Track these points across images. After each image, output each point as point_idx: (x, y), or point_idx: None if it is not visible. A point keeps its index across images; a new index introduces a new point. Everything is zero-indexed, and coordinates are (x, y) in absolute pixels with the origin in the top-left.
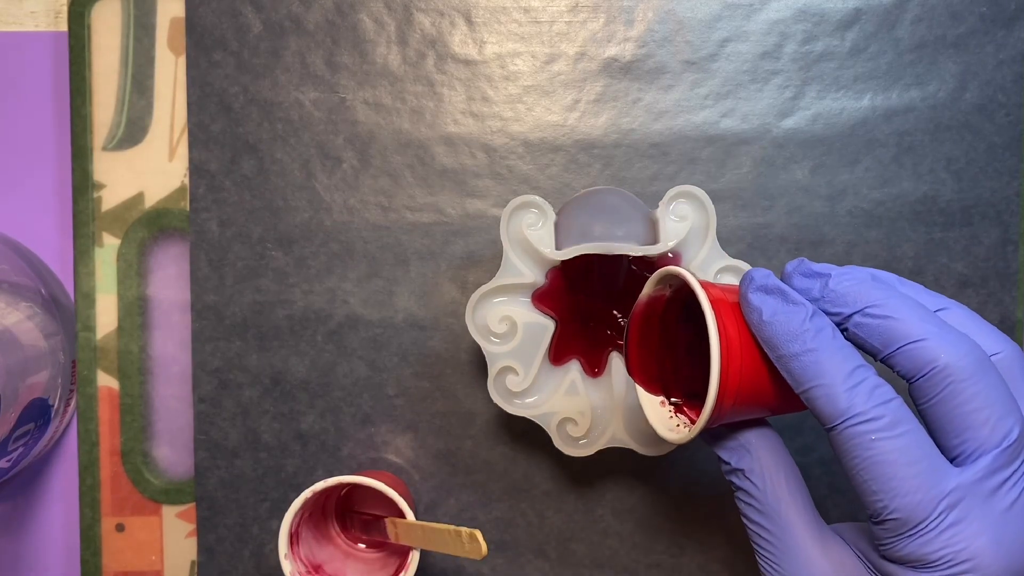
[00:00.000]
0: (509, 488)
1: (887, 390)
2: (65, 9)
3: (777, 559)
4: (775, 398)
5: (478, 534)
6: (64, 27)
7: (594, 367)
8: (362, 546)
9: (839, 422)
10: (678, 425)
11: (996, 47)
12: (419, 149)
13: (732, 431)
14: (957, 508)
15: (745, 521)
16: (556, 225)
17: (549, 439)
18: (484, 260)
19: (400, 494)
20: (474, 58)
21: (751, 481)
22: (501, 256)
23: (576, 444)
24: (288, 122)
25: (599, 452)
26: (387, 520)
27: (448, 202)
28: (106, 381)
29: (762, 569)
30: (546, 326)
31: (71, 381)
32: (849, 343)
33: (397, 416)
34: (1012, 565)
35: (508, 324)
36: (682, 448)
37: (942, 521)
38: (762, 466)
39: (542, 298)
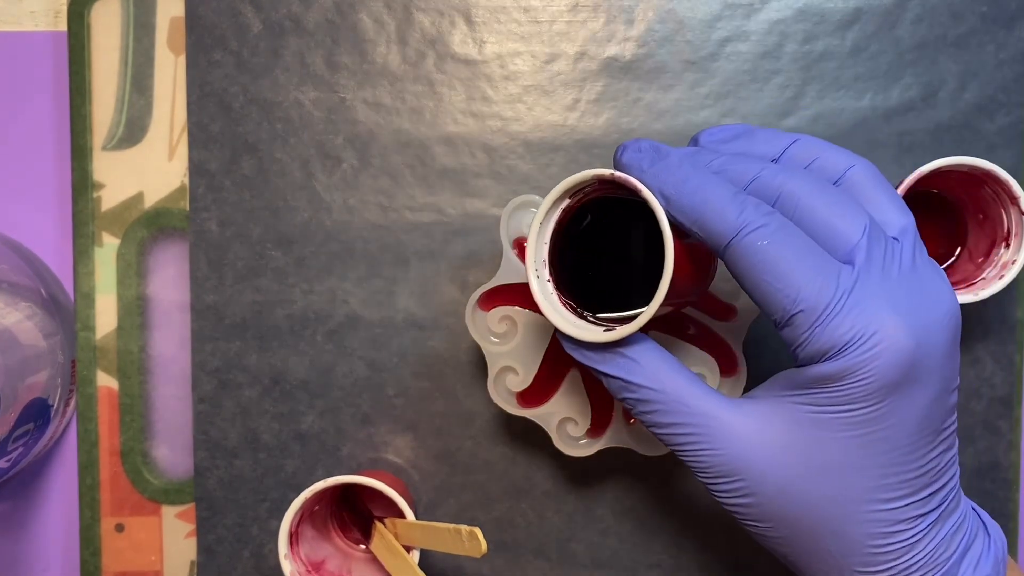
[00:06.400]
0: (509, 488)
1: (767, 205)
2: (64, 9)
3: (708, 444)
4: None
5: (477, 532)
6: (64, 27)
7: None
8: (362, 546)
9: (734, 235)
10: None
11: (996, 47)
12: (419, 149)
13: (612, 351)
14: (855, 289)
15: (657, 432)
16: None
17: (549, 439)
18: (484, 260)
19: (400, 494)
20: (474, 58)
21: (649, 388)
22: (501, 256)
23: (576, 444)
24: (288, 122)
25: (599, 452)
26: (387, 520)
27: (448, 202)
28: (105, 381)
29: (696, 466)
30: (546, 326)
31: (70, 381)
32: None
33: (397, 416)
34: (913, 325)
35: (508, 324)
36: None
37: (845, 301)
38: (654, 369)
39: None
